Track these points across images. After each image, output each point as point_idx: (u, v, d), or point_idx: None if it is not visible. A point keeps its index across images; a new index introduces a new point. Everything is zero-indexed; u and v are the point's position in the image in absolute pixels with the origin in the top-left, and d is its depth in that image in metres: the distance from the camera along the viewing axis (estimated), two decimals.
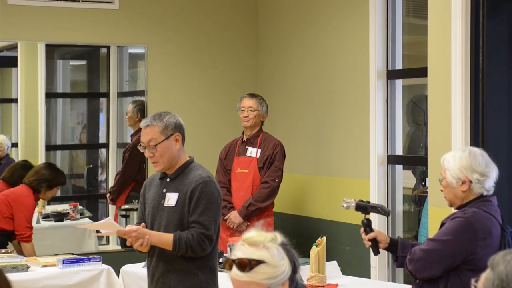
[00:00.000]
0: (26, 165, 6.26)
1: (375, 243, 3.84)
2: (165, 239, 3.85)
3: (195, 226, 3.84)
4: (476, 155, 3.69)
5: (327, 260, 4.58)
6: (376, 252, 3.88)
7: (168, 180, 3.97)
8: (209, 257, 3.91)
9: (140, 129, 6.84)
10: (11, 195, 5.82)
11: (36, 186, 5.86)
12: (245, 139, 6.15)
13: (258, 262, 2.29)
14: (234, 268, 2.32)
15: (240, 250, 2.34)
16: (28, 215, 5.76)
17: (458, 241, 3.60)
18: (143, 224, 3.93)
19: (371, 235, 3.84)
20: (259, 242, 2.32)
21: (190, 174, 3.93)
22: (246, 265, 2.29)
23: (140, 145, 3.96)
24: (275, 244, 2.32)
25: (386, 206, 5.92)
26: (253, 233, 2.35)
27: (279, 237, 2.35)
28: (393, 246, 3.84)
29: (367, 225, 3.86)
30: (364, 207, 3.90)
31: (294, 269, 2.34)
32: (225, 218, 5.98)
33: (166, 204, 3.92)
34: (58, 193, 6.30)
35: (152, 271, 3.97)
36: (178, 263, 3.87)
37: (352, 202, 3.93)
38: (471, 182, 3.66)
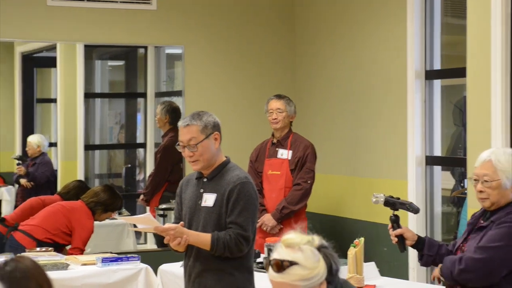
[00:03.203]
0: (81, 186, 6.33)
1: (401, 240, 3.84)
2: (203, 239, 3.86)
3: (233, 226, 3.85)
4: None
5: (365, 261, 4.56)
6: (402, 249, 3.89)
7: (205, 180, 3.97)
8: (245, 257, 3.91)
9: (170, 130, 6.93)
10: (72, 210, 5.84)
11: (92, 208, 5.91)
12: (275, 141, 6.13)
13: (291, 263, 2.33)
14: (270, 269, 2.35)
15: (277, 251, 2.37)
16: (86, 238, 5.80)
17: None
18: (182, 222, 3.93)
19: (398, 231, 3.85)
20: (295, 244, 2.35)
21: (227, 175, 3.93)
22: (279, 266, 2.33)
23: (179, 144, 3.96)
24: (311, 247, 2.35)
25: (425, 207, 5.89)
26: (291, 235, 2.38)
27: (317, 239, 2.37)
28: (420, 244, 3.84)
29: (395, 221, 3.88)
30: (392, 203, 3.93)
31: (331, 272, 2.34)
32: (258, 220, 5.98)
33: (203, 204, 3.93)
34: None
35: (189, 271, 3.98)
36: (215, 263, 3.88)
37: (382, 197, 3.96)
38: None
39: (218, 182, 3.93)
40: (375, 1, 6.31)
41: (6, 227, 5.93)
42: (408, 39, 5.91)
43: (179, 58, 7.14)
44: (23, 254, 5.13)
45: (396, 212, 3.91)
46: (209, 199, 3.92)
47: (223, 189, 3.90)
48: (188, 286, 4.00)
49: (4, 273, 2.22)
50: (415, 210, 3.96)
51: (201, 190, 3.96)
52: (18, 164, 6.97)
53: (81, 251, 5.74)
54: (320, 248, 2.35)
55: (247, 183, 3.90)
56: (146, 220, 3.95)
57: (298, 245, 2.34)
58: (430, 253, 3.80)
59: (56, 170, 7.13)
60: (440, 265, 3.79)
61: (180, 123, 3.98)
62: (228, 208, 3.87)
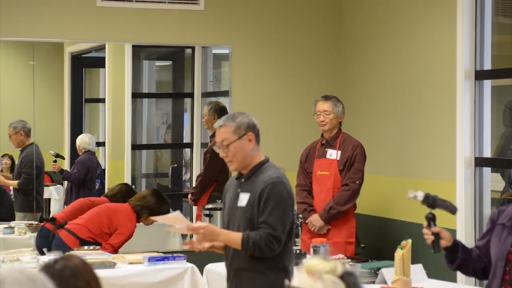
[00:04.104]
0: (127, 189, 6.36)
1: (437, 239, 3.72)
2: (234, 238, 3.89)
3: (264, 226, 3.86)
4: None
5: (412, 263, 4.51)
6: (437, 249, 3.74)
7: (242, 180, 4.00)
8: (280, 257, 3.91)
9: None
10: (115, 211, 5.86)
11: (138, 211, 5.93)
12: (324, 141, 6.10)
13: None
14: None
15: (298, 276, 2.30)
16: (123, 240, 5.82)
17: None
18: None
19: (435, 229, 3.71)
20: (316, 271, 2.26)
21: (261, 175, 3.94)
22: None
23: (216, 145, 4.00)
24: (333, 276, 2.25)
25: (474, 210, 5.81)
26: (313, 261, 2.29)
27: (339, 267, 2.27)
28: (455, 247, 3.74)
29: (432, 219, 3.73)
30: (432, 199, 3.75)
31: None
32: (306, 221, 5.97)
33: (239, 204, 3.96)
34: None
35: (228, 270, 4.05)
36: (249, 263, 3.91)
37: (420, 193, 3.79)
38: None
39: (253, 182, 3.95)
40: (425, 1, 6.24)
41: (55, 225, 6.00)
42: (458, 39, 5.83)
43: (226, 58, 7.16)
44: (72, 252, 5.19)
45: (433, 211, 3.80)
46: (243, 199, 3.96)
47: (256, 189, 3.92)
48: (228, 284, 4.07)
49: (54, 271, 2.24)
50: (455, 210, 3.83)
51: (238, 190, 4.00)
52: (54, 162, 7.04)
53: (114, 251, 5.76)
54: (343, 277, 2.25)
55: (278, 183, 3.89)
56: (177, 219, 3.95)
57: (319, 273, 2.24)
58: (465, 257, 3.71)
59: (104, 170, 7.19)
60: None
61: (215, 125, 4.03)
62: (260, 208, 3.89)
